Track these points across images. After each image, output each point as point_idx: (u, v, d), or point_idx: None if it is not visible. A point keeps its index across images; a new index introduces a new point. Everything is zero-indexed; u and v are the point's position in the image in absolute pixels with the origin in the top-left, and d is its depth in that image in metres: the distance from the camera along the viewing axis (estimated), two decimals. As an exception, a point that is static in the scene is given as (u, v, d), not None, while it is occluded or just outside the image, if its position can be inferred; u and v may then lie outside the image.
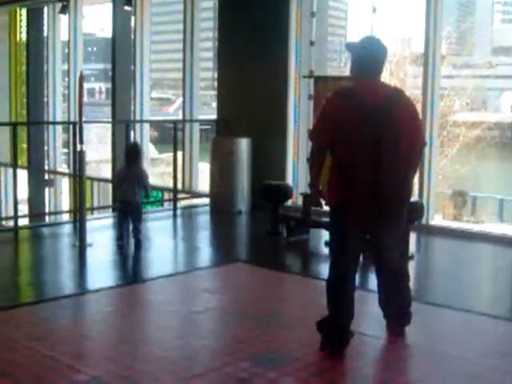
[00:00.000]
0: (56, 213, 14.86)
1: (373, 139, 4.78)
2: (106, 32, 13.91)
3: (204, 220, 10.66)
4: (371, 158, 4.79)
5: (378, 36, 5.38)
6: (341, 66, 24.89)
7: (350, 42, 5.35)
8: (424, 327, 5.65)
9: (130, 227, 8.21)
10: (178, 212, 10.97)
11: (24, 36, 16.77)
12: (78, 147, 8.31)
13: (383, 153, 4.78)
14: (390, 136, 4.82)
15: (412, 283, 7.28)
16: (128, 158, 8.20)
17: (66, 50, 15.70)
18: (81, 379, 4.48)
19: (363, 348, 5.21)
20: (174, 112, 29.72)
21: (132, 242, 8.21)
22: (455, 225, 11.66)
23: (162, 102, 39.64)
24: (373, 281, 6.97)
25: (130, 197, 8.03)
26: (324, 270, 7.73)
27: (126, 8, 12.62)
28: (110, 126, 14.83)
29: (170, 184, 11.36)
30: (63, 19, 15.42)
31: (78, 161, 8.49)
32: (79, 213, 8.43)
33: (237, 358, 4.87)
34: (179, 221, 10.75)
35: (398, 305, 5.32)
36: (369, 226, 5.04)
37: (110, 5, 13.78)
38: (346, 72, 22.31)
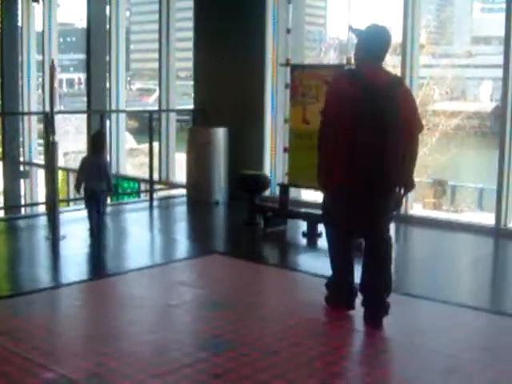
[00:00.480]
0: (31, 204, 14.66)
1: (373, 122, 5.02)
2: (85, 22, 13.68)
3: (181, 211, 10.53)
4: (371, 139, 5.03)
5: (384, 24, 5.51)
6: (320, 56, 24.79)
7: (355, 27, 5.49)
8: (402, 319, 5.56)
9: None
10: (155, 203, 10.83)
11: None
12: (51, 138, 8.14)
13: (382, 134, 5.03)
14: (390, 120, 5.06)
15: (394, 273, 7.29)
16: (93, 145, 8.40)
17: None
18: (49, 377, 4.34)
19: (340, 341, 5.12)
20: (153, 102, 29.54)
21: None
22: (434, 214, 11.60)
23: (142, 92, 39.40)
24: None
25: (95, 186, 8.06)
26: (302, 261, 7.69)
27: None
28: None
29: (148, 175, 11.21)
30: (38, 9, 15.18)
31: (49, 152, 8.30)
32: (52, 205, 8.27)
33: (211, 353, 4.74)
34: (156, 212, 10.61)
35: (377, 290, 5.33)
36: (361, 201, 5.21)
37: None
38: (325, 61, 22.20)
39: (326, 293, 5.69)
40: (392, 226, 8.01)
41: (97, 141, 8.42)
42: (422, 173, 20.85)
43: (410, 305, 5.98)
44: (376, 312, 5.29)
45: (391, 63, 23.78)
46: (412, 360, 4.77)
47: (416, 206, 10.75)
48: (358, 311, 5.42)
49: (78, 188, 8.24)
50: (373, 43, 5.21)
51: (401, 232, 8.98)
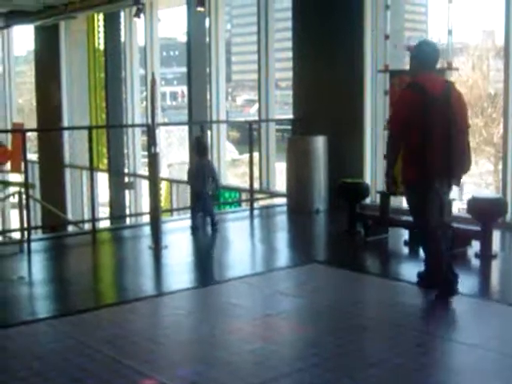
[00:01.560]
0: (136, 215, 14.98)
1: (441, 122, 5.92)
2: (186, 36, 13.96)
3: (281, 220, 10.53)
4: (442, 136, 5.91)
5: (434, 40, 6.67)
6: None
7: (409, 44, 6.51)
8: (508, 331, 5.38)
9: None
10: (256, 212, 10.89)
11: (102, 41, 17.00)
12: (152, 150, 8.30)
13: (451, 130, 5.93)
14: (452, 119, 5.96)
15: (495, 284, 7.10)
16: (197, 149, 9.14)
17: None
18: (149, 385, 4.41)
19: (441, 353, 4.99)
20: (255, 113, 29.77)
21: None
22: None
23: (246, 103, 39.69)
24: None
25: (201, 187, 8.90)
26: (404, 270, 7.55)
27: (199, 9, 12.59)
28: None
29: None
30: (140, 24, 15.54)
31: (151, 163, 8.46)
32: (154, 215, 8.42)
33: (309, 363, 4.71)
34: (256, 221, 10.65)
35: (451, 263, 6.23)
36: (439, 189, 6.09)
37: (185, 7, 13.83)
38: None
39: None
40: (497, 234, 7.86)
41: (199, 145, 9.17)
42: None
43: (516, 315, 5.80)
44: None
45: (495, 67, 23.25)
46: (509, 373, 4.61)
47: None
48: (462, 324, 5.28)
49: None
50: (427, 56, 6.13)
51: (506, 240, 8.71)
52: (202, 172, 8.96)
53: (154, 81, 8.42)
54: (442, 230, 6.28)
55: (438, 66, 6.57)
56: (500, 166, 15.49)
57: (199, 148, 9.22)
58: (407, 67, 6.94)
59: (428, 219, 6.10)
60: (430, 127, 5.89)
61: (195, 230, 9.13)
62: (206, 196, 9.01)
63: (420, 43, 6.29)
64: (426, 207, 6.06)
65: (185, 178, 9.47)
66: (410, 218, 8.47)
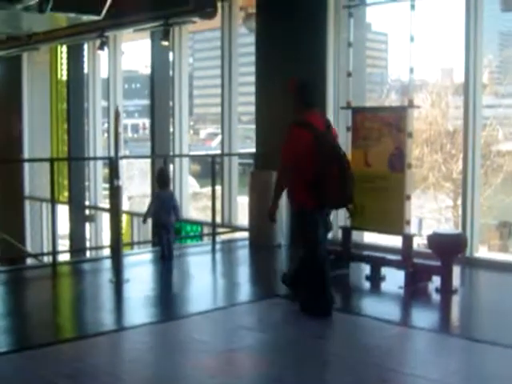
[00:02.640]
0: (96, 248, 14.88)
1: (333, 155, 6.57)
2: (149, 69, 14.01)
3: (243, 254, 10.52)
4: (338, 167, 6.54)
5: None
6: (381, 98, 24.72)
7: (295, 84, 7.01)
8: (468, 365, 5.43)
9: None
10: (218, 246, 10.87)
11: (65, 73, 16.96)
12: (115, 182, 8.27)
13: (339, 163, 6.56)
14: (341, 151, 6.70)
15: (456, 318, 7.17)
16: (161, 180, 9.29)
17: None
18: (111, 421, 4.35)
19: (404, 387, 5.02)
20: (216, 146, 29.80)
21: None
22: (501, 257, 11.35)
23: (208, 137, 39.71)
24: (416, 317, 6.82)
25: (166, 219, 9.08)
26: (365, 305, 7.59)
27: (163, 43, 12.65)
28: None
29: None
30: (103, 56, 15.55)
31: (113, 196, 8.43)
32: (115, 248, 8.37)
33: (273, 398, 4.70)
34: (218, 255, 10.64)
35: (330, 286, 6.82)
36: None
37: (149, 41, 13.89)
38: (386, 104, 22.16)
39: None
40: (457, 269, 7.95)
41: (161, 177, 9.36)
42: (487, 214, 20.48)
43: (476, 350, 5.84)
44: None
45: (453, 104, 23.64)
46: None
47: (482, 248, 10.54)
48: (423, 359, 5.29)
49: (145, 218, 9.32)
50: (310, 96, 6.85)
51: (466, 275, 8.81)
52: (167, 203, 9.10)
53: (117, 113, 8.42)
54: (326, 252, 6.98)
55: (399, 102, 6.81)
56: (459, 202, 15.69)
57: (163, 179, 9.37)
58: (370, 104, 7.09)
59: (317, 242, 6.68)
60: (326, 160, 6.50)
61: (165, 258, 9.24)
62: (169, 227, 9.16)
63: (301, 81, 7.01)
64: (318, 231, 6.67)
65: (145, 210, 9.46)
66: (372, 254, 8.61)
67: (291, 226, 8.96)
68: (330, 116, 10.34)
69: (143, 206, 22.48)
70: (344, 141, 9.23)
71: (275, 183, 6.97)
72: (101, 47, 14.26)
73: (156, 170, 10.30)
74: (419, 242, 15.32)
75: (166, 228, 9.13)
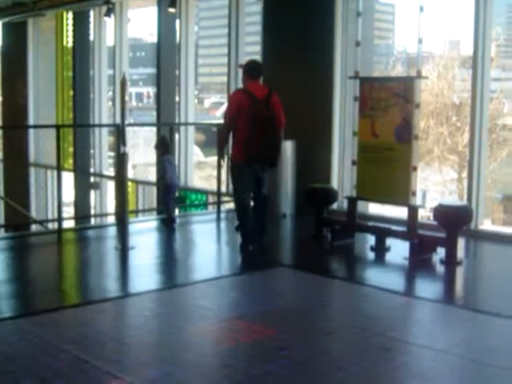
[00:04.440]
0: (101, 215, 14.92)
1: (261, 117, 7.92)
2: (155, 37, 13.93)
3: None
4: (262, 129, 7.91)
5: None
6: (387, 69, 24.60)
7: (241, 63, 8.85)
8: (471, 336, 5.45)
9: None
10: (222, 215, 10.87)
11: (70, 40, 16.88)
12: (121, 149, 8.26)
13: (269, 125, 7.97)
14: (271, 116, 8.01)
15: (460, 290, 7.19)
16: (165, 145, 9.70)
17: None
18: (117, 385, 4.39)
19: (409, 357, 5.04)
20: (221, 115, 29.73)
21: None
22: (505, 230, 11.34)
23: (213, 106, 39.53)
24: (421, 288, 6.85)
25: (175, 180, 9.62)
26: (369, 275, 7.61)
27: (170, 10, 12.58)
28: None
29: (215, 187, 11.27)
30: (109, 23, 15.47)
31: (119, 163, 8.43)
32: (121, 215, 8.38)
33: (279, 366, 4.72)
34: (223, 224, 10.64)
35: (263, 220, 8.43)
36: (255, 170, 8.13)
37: (155, 8, 13.80)
38: (392, 75, 22.06)
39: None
40: (461, 241, 7.97)
41: (165, 142, 9.78)
42: (492, 187, 20.47)
43: (480, 321, 5.87)
44: (260, 233, 8.44)
45: (460, 77, 23.51)
46: (477, 379, 4.66)
47: (485, 221, 10.54)
48: (428, 329, 5.30)
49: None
50: (252, 70, 8.26)
51: (470, 247, 8.83)
52: (173, 166, 9.59)
53: (124, 80, 8.39)
54: (261, 198, 8.34)
55: (404, 74, 6.74)
56: (464, 175, 15.68)
57: (167, 144, 9.75)
58: (376, 74, 7.02)
59: (242, 189, 8.18)
60: (253, 121, 7.89)
61: (173, 221, 9.56)
62: (175, 189, 9.71)
63: (248, 61, 8.50)
64: (243, 180, 8.14)
65: (150, 178, 9.62)
66: (377, 224, 8.62)
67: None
68: (337, 85, 10.34)
69: (147, 174, 22.51)
70: (351, 111, 9.24)
71: (218, 138, 8.77)
72: (107, 14, 14.19)
73: (159, 138, 10.36)
74: (423, 215, 15.35)
75: (173, 190, 9.59)
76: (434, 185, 23.96)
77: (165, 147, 9.66)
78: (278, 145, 8.18)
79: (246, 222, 8.30)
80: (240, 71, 9.17)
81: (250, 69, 8.35)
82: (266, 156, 8.08)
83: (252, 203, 8.42)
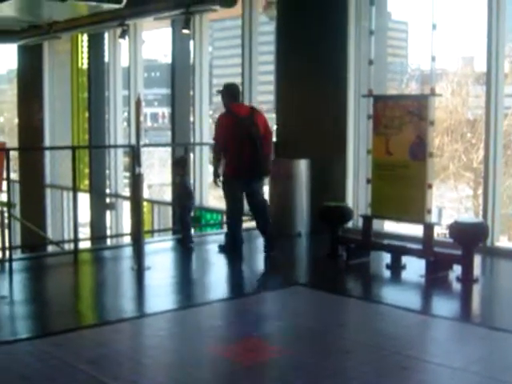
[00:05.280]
0: (117, 235, 14.95)
1: (247, 134, 8.64)
2: (169, 58, 14.04)
3: (263, 243, 10.51)
4: (249, 145, 8.66)
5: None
6: (401, 87, 24.60)
7: (219, 89, 9.23)
8: (488, 354, 5.42)
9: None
10: (237, 235, 10.84)
11: (85, 62, 17.01)
12: (136, 170, 8.31)
13: (253, 143, 8.66)
14: (255, 133, 8.69)
15: (476, 307, 7.15)
16: (183, 167, 9.65)
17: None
18: (134, 406, 4.40)
19: (426, 376, 5.02)
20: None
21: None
22: (522, 247, 11.29)
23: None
24: (437, 306, 6.83)
25: (191, 204, 9.65)
26: (385, 293, 7.59)
27: (184, 31, 12.66)
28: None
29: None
30: (124, 45, 15.57)
31: (134, 184, 8.47)
32: (136, 236, 8.41)
33: (294, 384, 4.72)
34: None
35: (266, 226, 9.15)
36: (246, 183, 8.89)
37: (169, 29, 13.91)
38: (406, 92, 22.05)
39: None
40: (478, 259, 7.93)
41: (186, 163, 9.93)
42: (508, 204, 20.36)
43: (497, 339, 5.84)
44: (269, 239, 9.21)
45: (474, 93, 23.47)
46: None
47: (502, 237, 10.49)
48: (445, 347, 5.27)
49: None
50: (233, 92, 9.03)
51: (487, 264, 8.78)
52: (188, 188, 9.62)
53: (139, 101, 8.44)
54: (259, 203, 9.10)
55: (418, 91, 6.77)
56: (480, 191, 15.62)
57: (184, 165, 9.66)
58: (390, 92, 7.04)
59: (233, 202, 8.98)
60: (240, 139, 8.62)
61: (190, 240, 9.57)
62: (190, 211, 9.69)
63: (227, 85, 9.14)
64: (233, 194, 8.92)
65: (165, 198, 9.67)
66: (393, 242, 8.61)
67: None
68: (351, 104, 10.36)
69: (163, 194, 22.56)
70: (365, 129, 9.25)
71: (213, 158, 9.21)
72: (122, 36, 14.30)
73: (179, 157, 10.39)
74: (439, 232, 15.28)
75: (189, 212, 9.64)
76: (450, 202, 23.87)
77: (184, 167, 9.69)
78: (265, 157, 8.87)
79: (236, 230, 9.14)
80: (218, 96, 9.38)
81: (231, 91, 9.07)
82: (254, 169, 8.79)
83: (251, 212, 9.32)
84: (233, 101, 8.95)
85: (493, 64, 9.08)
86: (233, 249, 9.11)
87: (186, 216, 9.56)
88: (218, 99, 9.70)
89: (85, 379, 4.79)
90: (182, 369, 5.10)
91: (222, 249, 9.24)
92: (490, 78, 9.13)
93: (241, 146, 8.66)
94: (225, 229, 11.72)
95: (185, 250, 9.35)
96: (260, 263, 9.26)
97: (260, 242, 10.40)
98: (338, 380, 4.87)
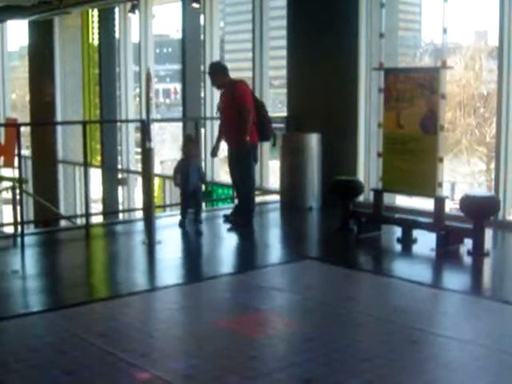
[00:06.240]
0: (129, 210, 14.99)
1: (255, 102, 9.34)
2: (180, 33, 13.97)
3: (274, 217, 10.55)
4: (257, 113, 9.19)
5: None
6: (414, 61, 24.45)
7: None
8: (498, 327, 5.42)
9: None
10: (249, 209, 10.86)
11: (96, 37, 16.97)
12: (147, 145, 8.31)
13: (260, 109, 9.35)
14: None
15: (487, 281, 7.14)
16: (190, 147, 9.22)
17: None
18: (144, 378, 4.43)
19: (435, 349, 5.02)
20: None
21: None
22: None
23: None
24: (448, 279, 6.83)
25: (197, 185, 9.19)
26: (396, 267, 7.59)
27: (194, 5, 12.59)
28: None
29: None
30: (134, 20, 15.52)
31: (145, 158, 8.47)
32: (148, 210, 8.43)
33: (304, 358, 4.73)
34: (249, 218, 10.64)
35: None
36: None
37: (180, 4, 13.83)
38: (421, 65, 21.86)
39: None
40: (489, 232, 7.91)
41: (191, 144, 9.36)
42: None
43: (507, 312, 5.83)
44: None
45: (487, 67, 23.30)
46: (502, 370, 4.63)
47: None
48: (455, 321, 5.27)
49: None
50: (224, 66, 9.51)
51: (498, 238, 8.76)
52: (197, 168, 9.29)
53: (149, 76, 8.43)
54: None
55: (433, 65, 6.65)
56: (492, 165, 15.55)
57: (193, 146, 9.34)
58: (401, 65, 6.96)
59: (253, 170, 9.42)
60: (255, 107, 9.14)
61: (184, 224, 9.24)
62: (199, 194, 9.43)
63: (215, 63, 10.00)
64: (253, 162, 9.34)
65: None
66: (404, 216, 8.58)
67: (236, 163, 9.50)
68: (362, 77, 10.31)
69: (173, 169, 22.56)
70: (376, 102, 9.20)
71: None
72: (132, 10, 14.24)
73: (185, 136, 10.32)
74: (451, 207, 15.25)
75: (196, 196, 9.33)
76: (463, 176, 23.81)
77: (195, 146, 9.54)
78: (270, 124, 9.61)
79: (253, 198, 9.63)
80: (207, 77, 10.08)
81: (223, 67, 9.46)
82: (265, 134, 9.46)
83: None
84: (227, 76, 9.33)
85: (505, 38, 8.99)
86: (248, 220, 9.35)
87: (184, 200, 9.32)
88: (230, 75, 9.57)
89: (95, 352, 4.81)
90: (192, 342, 5.13)
91: (234, 222, 9.40)
92: (502, 52, 9.04)
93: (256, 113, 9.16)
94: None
95: (196, 224, 9.31)
96: (271, 237, 9.26)
97: (271, 216, 10.45)
98: (348, 353, 4.88)
